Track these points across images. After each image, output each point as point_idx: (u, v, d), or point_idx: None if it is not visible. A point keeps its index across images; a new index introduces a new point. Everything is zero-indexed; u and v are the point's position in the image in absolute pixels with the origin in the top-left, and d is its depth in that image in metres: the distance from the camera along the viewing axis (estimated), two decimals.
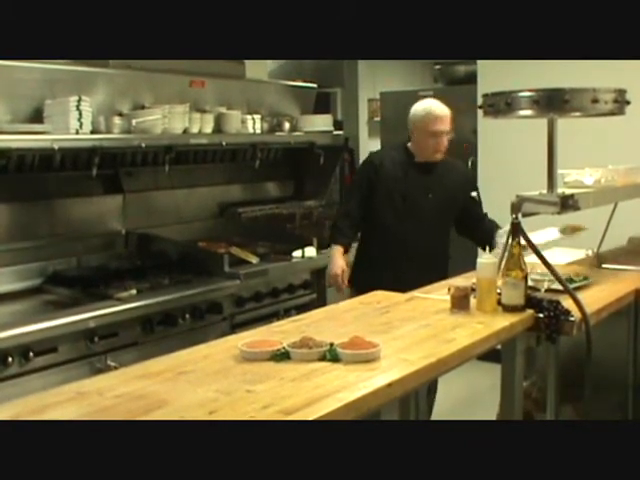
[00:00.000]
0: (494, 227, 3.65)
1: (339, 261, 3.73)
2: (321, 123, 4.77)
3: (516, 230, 2.67)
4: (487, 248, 2.86)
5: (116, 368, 2.92)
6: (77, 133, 3.37)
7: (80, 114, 3.37)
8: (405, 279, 3.29)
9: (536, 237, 2.87)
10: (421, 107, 3.74)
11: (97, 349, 3.08)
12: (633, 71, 4.38)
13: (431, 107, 3.71)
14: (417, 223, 3.72)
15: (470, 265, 2.87)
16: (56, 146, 3.27)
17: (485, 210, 3.88)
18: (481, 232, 3.73)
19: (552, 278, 2.78)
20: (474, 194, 3.76)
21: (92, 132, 3.46)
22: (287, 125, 4.57)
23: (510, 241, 2.66)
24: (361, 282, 3.64)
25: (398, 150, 3.89)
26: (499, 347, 2.60)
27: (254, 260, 3.93)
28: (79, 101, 3.36)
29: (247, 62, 4.50)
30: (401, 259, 3.71)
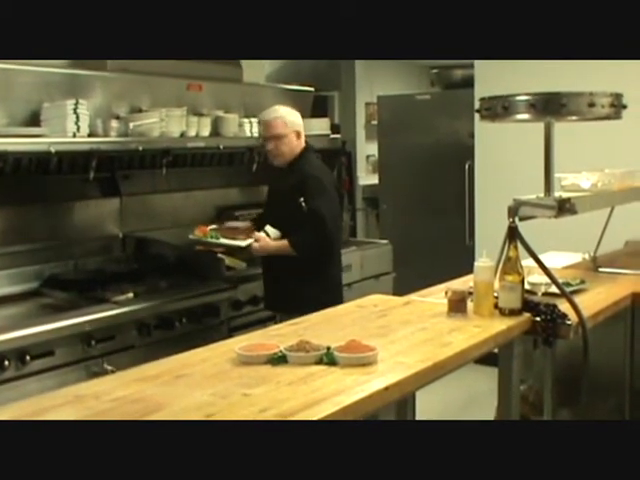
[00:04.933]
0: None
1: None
2: (318, 127, 4.77)
3: (513, 234, 2.68)
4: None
5: (113, 372, 2.92)
6: (74, 136, 3.38)
7: (77, 117, 3.37)
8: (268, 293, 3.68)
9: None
10: None
11: (94, 353, 3.08)
12: (630, 74, 4.40)
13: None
14: (263, 220, 3.73)
15: (467, 268, 2.87)
16: (53, 149, 3.27)
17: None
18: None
19: (549, 282, 2.78)
20: (301, 199, 3.50)
21: (89, 135, 3.46)
22: None
23: (507, 245, 2.67)
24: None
25: None
26: (496, 351, 2.61)
27: (239, 266, 3.92)
28: (76, 104, 3.36)
29: (244, 66, 4.50)
30: (265, 276, 3.74)
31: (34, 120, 3.39)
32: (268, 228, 3.55)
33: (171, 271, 3.80)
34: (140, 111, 3.81)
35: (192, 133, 4.00)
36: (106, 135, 3.58)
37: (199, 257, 3.92)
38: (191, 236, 3.70)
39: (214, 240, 3.69)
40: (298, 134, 3.63)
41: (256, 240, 3.55)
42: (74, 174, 3.60)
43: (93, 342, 3.07)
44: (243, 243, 3.59)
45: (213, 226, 3.75)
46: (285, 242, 3.51)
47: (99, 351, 3.10)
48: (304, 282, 3.53)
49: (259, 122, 3.81)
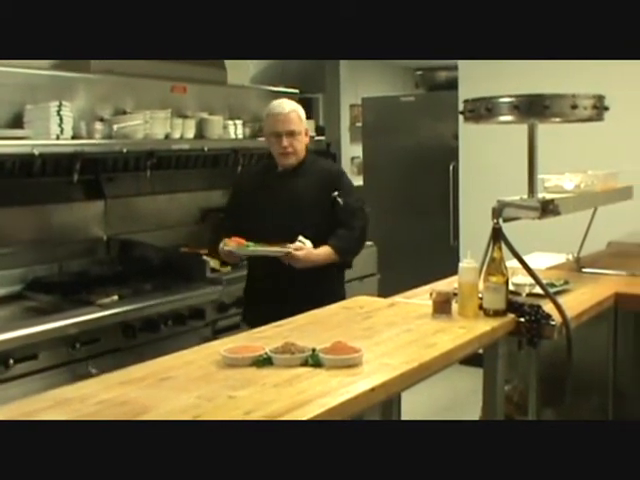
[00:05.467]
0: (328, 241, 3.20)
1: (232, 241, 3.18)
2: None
3: (497, 235, 2.69)
4: None
5: (97, 375, 2.90)
6: (58, 138, 3.36)
7: (61, 119, 3.36)
8: (289, 303, 2.93)
9: None
10: (266, 108, 3.37)
11: (78, 356, 3.06)
12: (612, 75, 4.43)
13: (270, 107, 3.31)
14: (279, 229, 3.20)
15: (452, 270, 2.88)
16: (37, 151, 3.26)
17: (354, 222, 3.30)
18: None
19: (533, 282, 2.80)
20: (335, 194, 3.25)
21: (73, 137, 3.45)
22: None
23: (491, 246, 2.68)
24: (253, 316, 3.19)
25: (264, 163, 3.55)
26: (481, 351, 2.62)
27: (223, 268, 3.89)
28: (60, 106, 3.35)
29: (229, 67, 4.50)
30: (283, 283, 3.21)
31: (17, 122, 3.37)
32: (302, 239, 3.13)
33: (156, 273, 3.79)
34: (124, 113, 3.80)
35: (176, 135, 3.99)
36: (90, 137, 3.56)
37: (184, 259, 3.92)
38: (226, 247, 3.16)
39: (252, 248, 3.14)
40: (307, 132, 3.36)
41: (296, 249, 3.10)
42: (58, 176, 3.58)
43: (78, 345, 3.05)
44: (286, 250, 3.08)
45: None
46: (327, 249, 3.18)
47: (84, 354, 3.08)
48: (334, 282, 3.34)
49: (267, 115, 3.32)
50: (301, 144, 3.29)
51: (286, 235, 3.15)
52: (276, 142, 3.26)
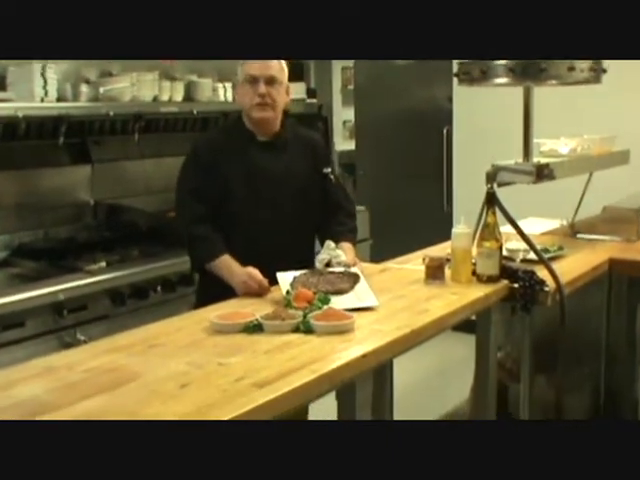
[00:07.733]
0: (339, 234, 2.83)
1: (240, 268, 2.58)
2: (294, 91, 4.68)
3: (491, 200, 2.66)
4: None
5: (86, 342, 2.87)
6: (42, 101, 3.31)
7: (45, 81, 3.30)
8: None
9: None
10: None
11: (66, 323, 3.04)
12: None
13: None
14: (269, 215, 2.74)
15: (445, 235, 2.85)
16: (20, 114, 3.21)
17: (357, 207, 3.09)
18: (323, 232, 2.86)
19: (527, 248, 2.77)
20: (328, 170, 2.88)
21: (58, 100, 3.40)
22: None
23: (485, 211, 2.65)
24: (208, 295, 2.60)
25: (230, 128, 2.96)
26: (474, 317, 2.59)
27: None
28: (44, 68, 3.28)
29: None
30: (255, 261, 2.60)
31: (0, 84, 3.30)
32: (335, 248, 2.69)
33: (144, 239, 3.75)
34: (110, 75, 3.73)
35: (165, 98, 3.93)
36: (76, 100, 3.51)
37: (172, 224, 3.86)
38: (297, 311, 2.21)
39: (320, 306, 2.28)
40: (288, 90, 2.86)
41: (354, 265, 2.67)
42: (43, 140, 3.53)
43: (65, 312, 3.02)
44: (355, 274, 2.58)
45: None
46: (350, 246, 2.81)
47: (72, 321, 3.06)
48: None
49: (242, 64, 2.74)
50: (281, 97, 2.75)
51: (282, 222, 2.75)
52: (251, 89, 2.69)
